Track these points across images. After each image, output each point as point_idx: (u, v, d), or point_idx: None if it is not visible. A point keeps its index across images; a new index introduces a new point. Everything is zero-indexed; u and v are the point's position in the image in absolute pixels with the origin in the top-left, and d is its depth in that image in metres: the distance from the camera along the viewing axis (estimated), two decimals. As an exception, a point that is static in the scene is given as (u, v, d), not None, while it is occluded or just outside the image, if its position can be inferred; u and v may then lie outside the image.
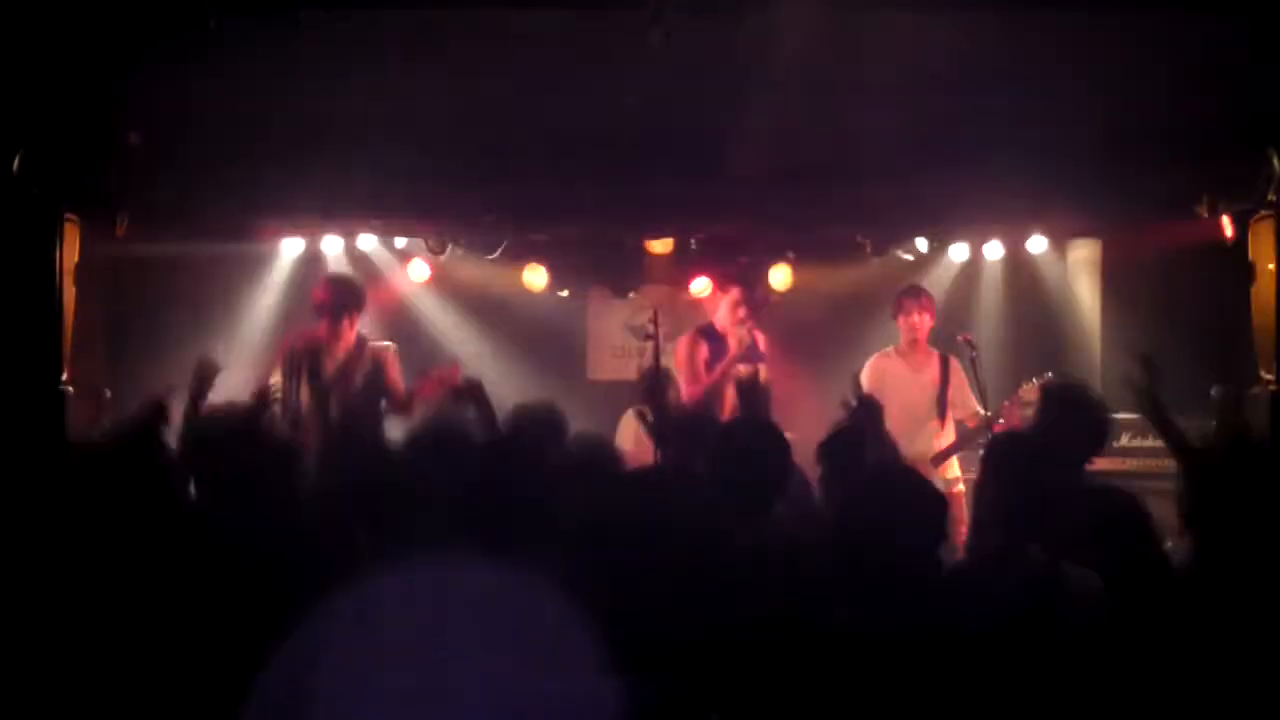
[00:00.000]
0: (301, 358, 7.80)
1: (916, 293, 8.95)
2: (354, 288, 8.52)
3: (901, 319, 8.84)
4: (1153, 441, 9.24)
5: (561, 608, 1.34)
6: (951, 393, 8.66)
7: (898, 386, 8.49)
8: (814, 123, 7.69)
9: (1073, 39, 6.68)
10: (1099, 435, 5.49)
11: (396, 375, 8.23)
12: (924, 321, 8.80)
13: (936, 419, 8.54)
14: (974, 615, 3.54)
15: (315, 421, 7.48)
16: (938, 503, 3.77)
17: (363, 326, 8.56)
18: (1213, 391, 8.10)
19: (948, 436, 8.58)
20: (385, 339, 10.25)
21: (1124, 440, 9.32)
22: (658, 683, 2.17)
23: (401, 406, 7.98)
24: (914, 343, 8.77)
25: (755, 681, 2.92)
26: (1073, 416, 5.48)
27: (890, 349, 8.90)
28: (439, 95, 7.61)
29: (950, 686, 3.20)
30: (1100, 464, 8.93)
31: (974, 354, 8.43)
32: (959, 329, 8.90)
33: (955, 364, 8.74)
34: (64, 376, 7.41)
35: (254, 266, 10.54)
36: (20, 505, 4.43)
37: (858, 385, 7.03)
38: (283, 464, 4.69)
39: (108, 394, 8.44)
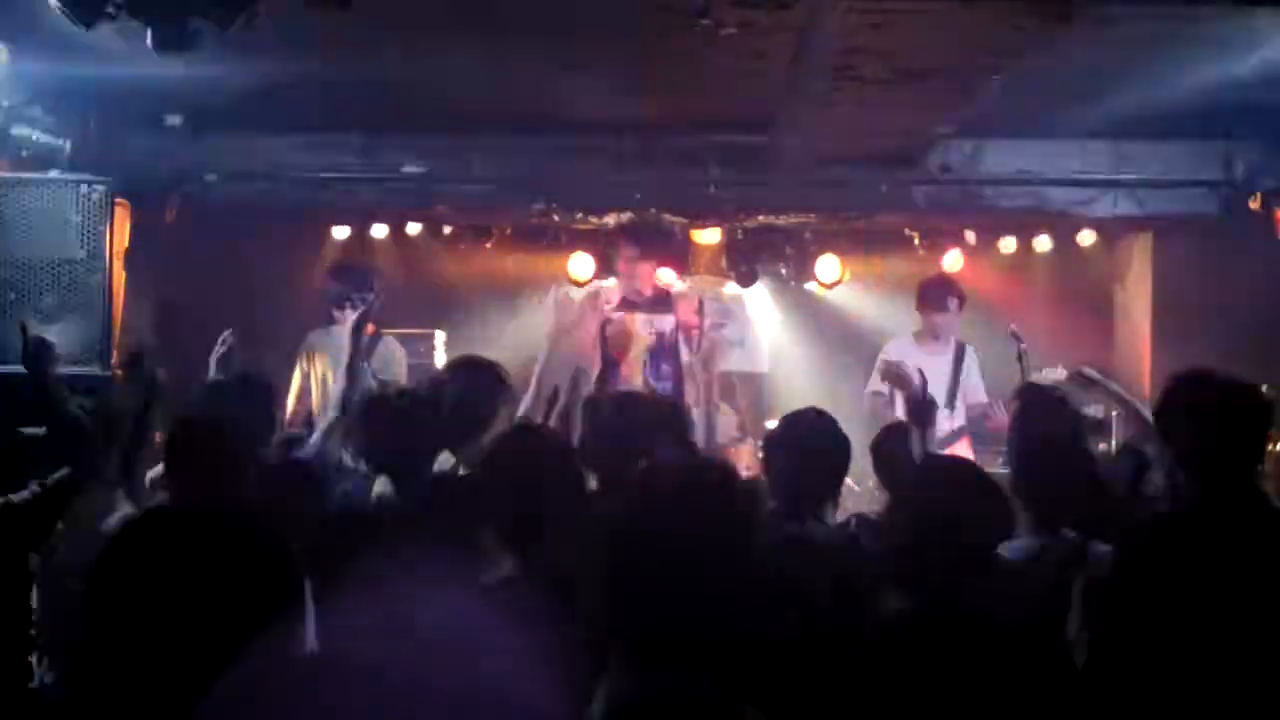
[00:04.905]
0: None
1: (943, 287, 8.91)
2: (361, 273, 8.30)
3: (926, 311, 8.82)
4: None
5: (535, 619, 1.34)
6: (963, 380, 8.67)
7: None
8: (862, 114, 7.65)
9: (1126, 33, 6.62)
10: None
11: (399, 377, 8.02)
12: (948, 320, 8.79)
13: (946, 405, 8.53)
14: (1010, 600, 3.52)
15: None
16: (1000, 497, 3.73)
17: (399, 314, 8.52)
18: (1263, 389, 8.02)
19: (956, 423, 8.58)
20: (430, 328, 10.32)
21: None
22: (693, 679, 2.16)
23: None
24: (935, 329, 8.77)
25: (797, 677, 2.91)
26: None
27: (909, 335, 8.90)
28: (487, 85, 7.63)
29: (994, 678, 3.18)
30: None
31: (1022, 346, 8.39)
32: (1007, 322, 8.84)
33: (970, 353, 8.74)
34: (112, 360, 7.46)
35: (302, 251, 10.59)
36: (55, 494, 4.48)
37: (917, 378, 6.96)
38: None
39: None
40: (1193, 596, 3.39)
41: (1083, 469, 4.58)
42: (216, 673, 1.30)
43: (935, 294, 8.84)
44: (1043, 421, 5.14)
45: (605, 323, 8.45)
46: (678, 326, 8.26)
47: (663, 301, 8.52)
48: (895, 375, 6.87)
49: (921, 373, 6.23)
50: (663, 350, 8.18)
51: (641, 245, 8.57)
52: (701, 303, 8.58)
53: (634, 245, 8.57)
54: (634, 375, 8.23)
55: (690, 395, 7.94)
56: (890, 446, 5.35)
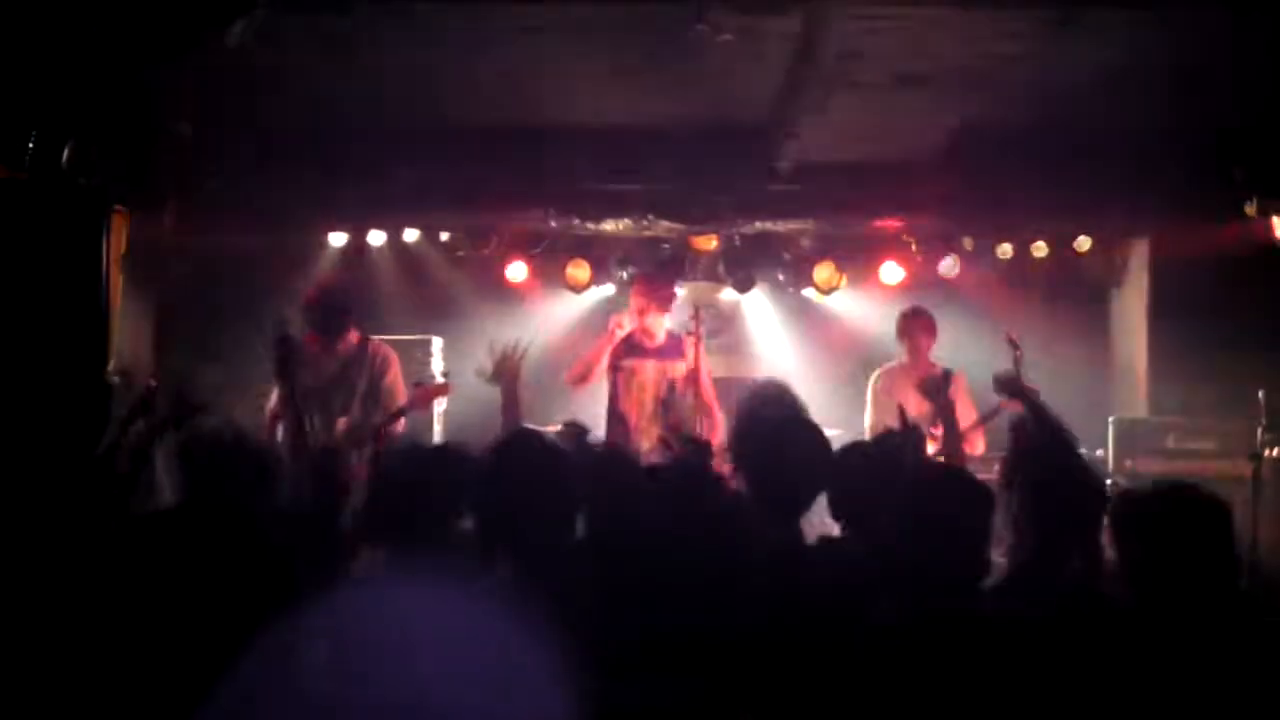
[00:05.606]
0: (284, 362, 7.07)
1: (918, 316, 8.99)
2: (342, 301, 8.00)
3: (904, 341, 8.92)
4: (1199, 444, 9.22)
5: (529, 627, 1.35)
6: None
7: (902, 398, 8.60)
8: (860, 121, 7.66)
9: (1122, 40, 6.64)
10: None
11: (395, 378, 7.83)
12: (924, 344, 8.88)
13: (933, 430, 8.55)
14: (1009, 625, 3.52)
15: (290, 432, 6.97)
16: (986, 502, 3.74)
17: (401, 322, 8.46)
18: (1260, 395, 8.05)
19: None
20: (428, 334, 10.30)
21: (1170, 443, 9.28)
22: (687, 684, 2.17)
23: (392, 417, 7.47)
24: (916, 358, 8.83)
25: (790, 683, 2.91)
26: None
27: (895, 362, 8.96)
28: (485, 90, 7.64)
29: (984, 692, 3.18)
30: (1149, 466, 8.99)
31: (1017, 354, 8.39)
32: (1004, 328, 8.85)
33: (958, 380, 8.75)
34: (110, 367, 7.47)
35: (300, 258, 10.57)
36: (67, 494, 4.48)
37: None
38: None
39: (153, 384, 8.45)
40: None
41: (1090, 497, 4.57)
42: (215, 675, 1.30)
43: (901, 323, 9.00)
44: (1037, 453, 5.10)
45: (616, 367, 8.46)
46: (689, 374, 8.26)
47: (674, 349, 8.52)
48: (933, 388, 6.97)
49: (902, 409, 6.30)
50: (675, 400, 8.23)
51: (653, 296, 8.56)
52: (698, 311, 8.58)
53: (645, 296, 8.57)
54: (648, 428, 8.25)
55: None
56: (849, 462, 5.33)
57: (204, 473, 4.47)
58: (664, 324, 8.55)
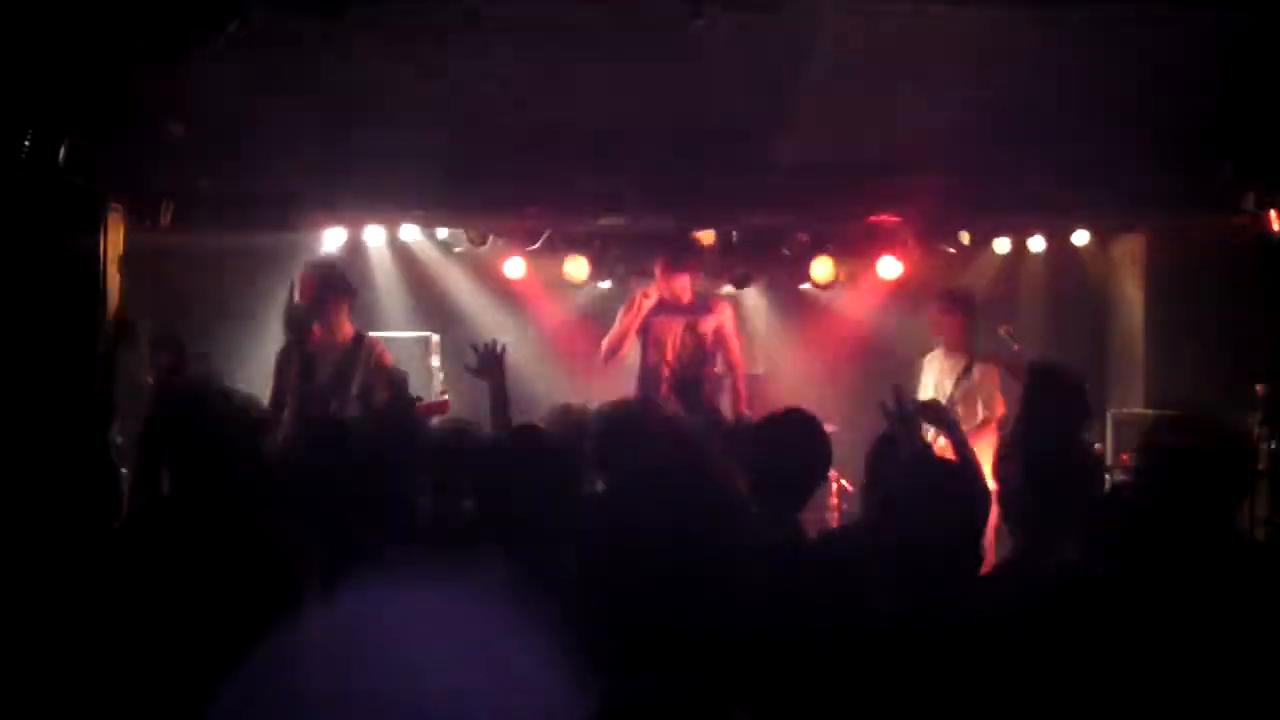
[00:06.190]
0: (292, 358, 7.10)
1: (941, 301, 8.95)
2: (335, 274, 8.07)
3: (933, 328, 8.91)
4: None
5: (533, 618, 1.35)
6: (964, 391, 8.63)
7: (935, 382, 8.61)
8: (857, 114, 7.66)
9: (1119, 33, 6.63)
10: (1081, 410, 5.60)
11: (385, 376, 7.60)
12: (947, 324, 8.81)
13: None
14: (1004, 616, 3.52)
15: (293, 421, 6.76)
16: (983, 495, 3.74)
17: (397, 317, 8.45)
18: (1257, 388, 8.05)
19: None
20: (426, 329, 10.30)
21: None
22: (685, 682, 2.16)
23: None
24: (951, 343, 8.78)
25: (782, 677, 2.91)
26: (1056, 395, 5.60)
27: (939, 348, 8.93)
28: (481, 87, 7.63)
29: (981, 685, 3.18)
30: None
31: (1015, 347, 8.39)
32: (1001, 323, 8.85)
33: (979, 367, 8.67)
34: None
35: (297, 256, 10.55)
36: (61, 498, 4.47)
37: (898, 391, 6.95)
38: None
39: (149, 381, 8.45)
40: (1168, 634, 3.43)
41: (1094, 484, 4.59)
42: (218, 670, 1.30)
43: (933, 303, 8.96)
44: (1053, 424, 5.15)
45: (645, 327, 8.53)
46: (718, 330, 8.35)
47: (702, 305, 8.59)
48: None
49: (897, 387, 6.28)
50: (703, 355, 8.30)
51: (676, 256, 8.65)
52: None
53: (669, 256, 8.65)
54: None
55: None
56: (882, 453, 5.35)
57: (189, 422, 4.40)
58: (688, 284, 8.68)
